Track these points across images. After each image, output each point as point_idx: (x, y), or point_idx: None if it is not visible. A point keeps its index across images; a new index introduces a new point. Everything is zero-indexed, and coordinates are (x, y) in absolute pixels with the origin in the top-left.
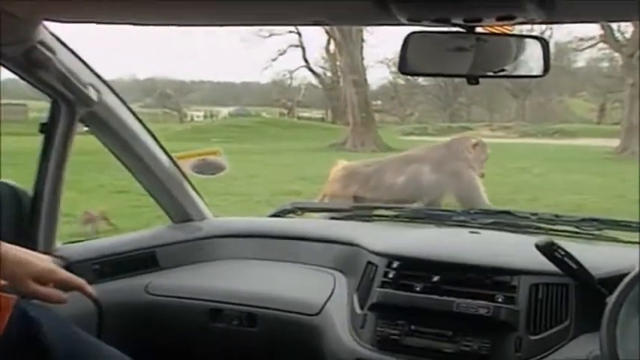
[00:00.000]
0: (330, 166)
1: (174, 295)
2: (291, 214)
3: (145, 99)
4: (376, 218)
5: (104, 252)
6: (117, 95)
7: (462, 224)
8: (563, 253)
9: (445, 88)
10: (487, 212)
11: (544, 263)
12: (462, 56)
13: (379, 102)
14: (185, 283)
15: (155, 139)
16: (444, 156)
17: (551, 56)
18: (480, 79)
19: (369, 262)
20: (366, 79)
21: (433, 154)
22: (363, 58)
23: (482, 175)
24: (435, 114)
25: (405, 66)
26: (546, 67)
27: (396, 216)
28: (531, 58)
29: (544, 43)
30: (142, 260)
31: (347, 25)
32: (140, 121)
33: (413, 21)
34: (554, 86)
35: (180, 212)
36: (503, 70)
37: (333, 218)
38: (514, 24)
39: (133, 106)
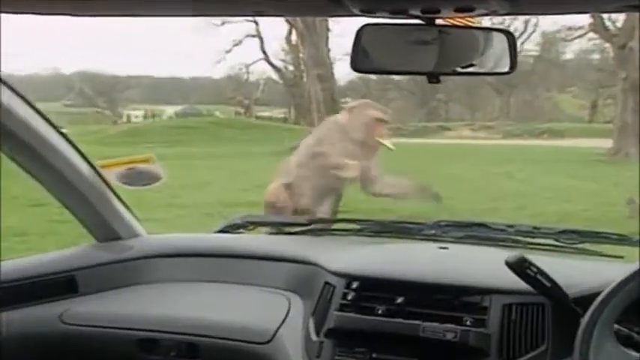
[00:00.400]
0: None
1: (94, 324)
2: (241, 230)
3: (71, 96)
4: (337, 233)
5: (10, 276)
6: (16, 92)
7: (431, 238)
8: (535, 270)
9: (421, 84)
10: (460, 225)
11: (518, 282)
12: (424, 50)
13: (348, 99)
14: (109, 310)
15: (72, 144)
16: (327, 135)
17: (539, 47)
18: (441, 77)
19: (327, 283)
20: (332, 74)
21: (320, 134)
22: (329, 50)
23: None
24: (410, 112)
25: (358, 62)
26: (512, 63)
27: (359, 230)
28: (499, 53)
29: (510, 38)
30: (57, 285)
31: (293, 17)
32: (50, 122)
33: (367, 12)
34: (542, 81)
35: (106, 229)
36: (470, 66)
37: (289, 233)
38: (475, 16)
39: (56, 105)
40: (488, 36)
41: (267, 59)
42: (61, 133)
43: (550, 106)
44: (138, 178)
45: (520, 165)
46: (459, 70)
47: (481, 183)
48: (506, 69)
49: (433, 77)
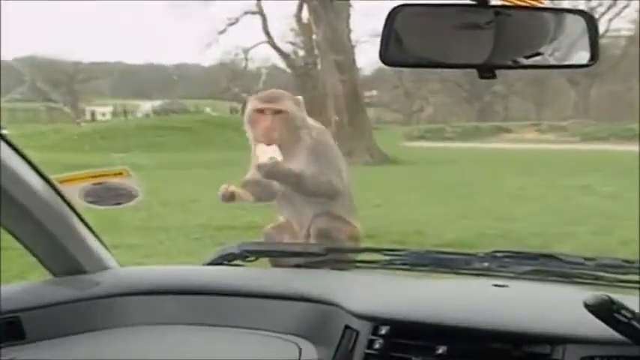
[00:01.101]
0: None
1: None
2: (238, 261)
3: (19, 88)
4: (361, 265)
5: None
6: None
7: (484, 273)
8: (628, 314)
9: (473, 74)
10: (522, 256)
11: (602, 328)
12: (476, 37)
13: (374, 92)
14: None
15: (16, 150)
16: None
17: (634, 26)
18: (497, 71)
19: (348, 327)
20: (354, 61)
21: None
22: (350, 31)
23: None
24: (457, 109)
25: (389, 53)
26: (593, 53)
27: (389, 262)
28: (574, 41)
29: (590, 20)
30: None
31: None
32: None
33: None
34: (636, 68)
35: (65, 260)
36: (535, 56)
37: (299, 266)
38: None
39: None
40: (561, 18)
41: (270, 42)
42: (1, 136)
43: None
44: (108, 195)
45: (605, 177)
46: (521, 61)
47: (552, 200)
48: (584, 60)
49: (487, 71)
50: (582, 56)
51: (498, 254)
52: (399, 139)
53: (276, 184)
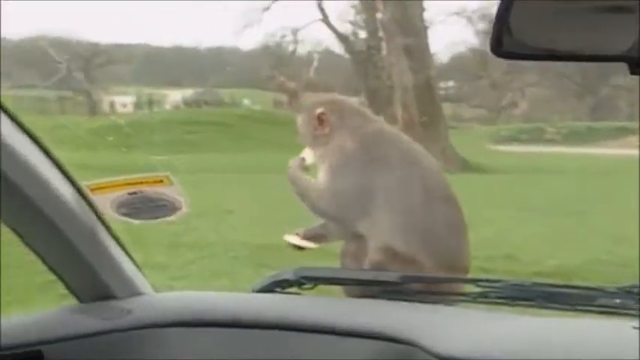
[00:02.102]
0: None
1: None
2: (293, 289)
3: (26, 74)
4: (447, 297)
5: None
6: None
7: (616, 312)
8: None
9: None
10: None
11: None
12: (618, 23)
13: (451, 83)
14: None
15: (44, 149)
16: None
17: None
18: None
19: None
20: (427, 45)
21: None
22: (423, 9)
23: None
24: (562, 106)
25: (502, 42)
26: None
27: (482, 294)
28: None
29: None
30: None
31: None
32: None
33: None
34: None
35: (93, 285)
36: None
37: (368, 296)
38: None
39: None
40: None
41: (325, 21)
42: (28, 133)
43: None
44: (145, 207)
45: None
46: None
47: None
48: None
49: (638, 65)
50: None
51: (635, 290)
52: (482, 141)
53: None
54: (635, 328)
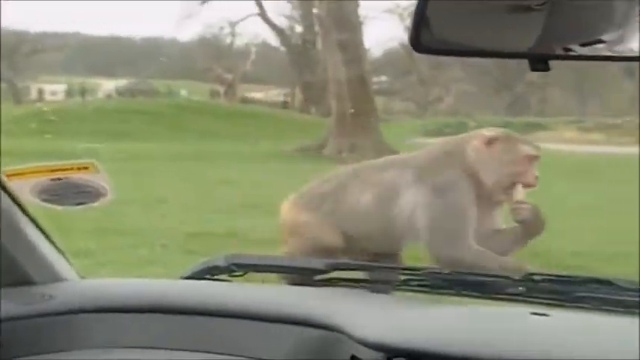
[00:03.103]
0: (299, 185)
1: None
2: (223, 276)
3: None
4: (371, 286)
5: None
6: None
7: (519, 299)
8: None
9: (503, 60)
10: (567, 281)
11: None
12: (525, 21)
13: (384, 78)
14: None
15: None
16: (437, 157)
17: None
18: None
19: (354, 358)
20: (362, 40)
21: (423, 155)
22: (358, 5)
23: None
24: (484, 101)
25: (420, 39)
26: None
27: (406, 282)
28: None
29: None
30: None
31: None
32: None
33: None
34: None
35: (11, 269)
36: (596, 44)
37: (295, 284)
38: None
39: None
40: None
41: (262, 15)
42: None
43: None
44: (69, 193)
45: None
46: (578, 50)
47: (599, 214)
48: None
49: (538, 62)
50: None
51: (537, 277)
52: (411, 134)
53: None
54: (532, 313)
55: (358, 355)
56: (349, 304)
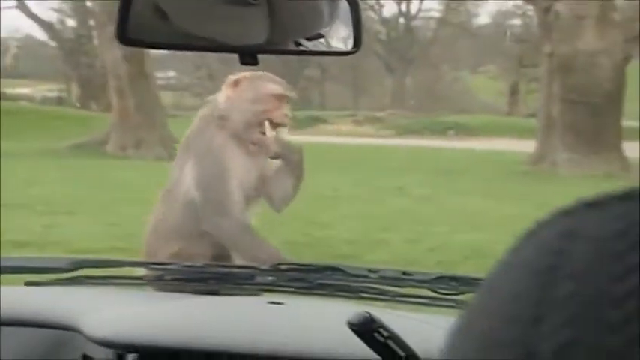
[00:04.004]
0: (77, 182)
1: None
2: None
3: None
4: (119, 281)
5: None
6: None
7: (266, 288)
8: (386, 333)
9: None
10: (307, 269)
11: (364, 347)
12: (244, 15)
13: (172, 73)
14: None
15: None
16: (197, 125)
17: (442, 7)
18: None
19: (86, 357)
20: None
21: (190, 129)
22: None
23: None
24: None
25: (127, 29)
26: (356, 41)
27: (159, 277)
28: (345, 25)
29: (354, 5)
30: None
31: None
32: None
33: None
34: (447, 55)
35: None
36: (315, 39)
37: (34, 283)
38: None
39: None
40: (332, 4)
41: (22, 7)
42: None
43: (459, 90)
44: None
45: (419, 177)
46: (306, 45)
47: (367, 203)
48: (349, 47)
49: (249, 55)
50: (348, 41)
51: (282, 267)
52: None
53: None
54: (271, 302)
55: (89, 354)
56: (90, 303)
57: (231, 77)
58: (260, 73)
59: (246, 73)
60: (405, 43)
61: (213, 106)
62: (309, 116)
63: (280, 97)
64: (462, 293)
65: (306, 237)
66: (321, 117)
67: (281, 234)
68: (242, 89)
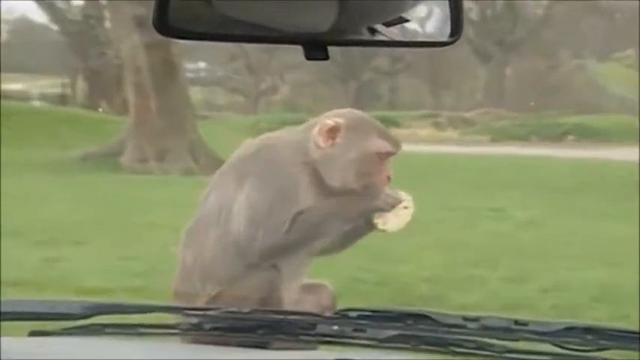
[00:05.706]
0: (85, 202)
1: None
2: None
3: None
4: (149, 331)
5: None
6: None
7: (332, 340)
8: None
9: None
10: (382, 316)
11: None
12: (297, 6)
13: (202, 64)
14: None
15: None
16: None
17: None
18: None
19: None
20: None
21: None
22: None
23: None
24: (325, 91)
25: (168, 17)
26: (456, 27)
27: (197, 325)
28: (434, 12)
29: None
30: None
31: None
32: None
33: None
34: (567, 37)
35: None
36: (395, 24)
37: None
38: None
39: None
40: None
41: None
42: None
43: (581, 82)
44: None
45: (523, 195)
46: (364, 36)
47: (452, 229)
48: (445, 37)
49: (316, 49)
50: (441, 30)
51: (351, 314)
52: (241, 134)
53: None
54: None
55: None
56: (109, 358)
57: (325, 123)
58: (359, 117)
59: (339, 117)
60: (506, 22)
61: (296, 145)
62: (376, 117)
63: (387, 155)
64: (601, 350)
65: (373, 274)
66: (391, 118)
67: (343, 270)
68: (342, 143)
